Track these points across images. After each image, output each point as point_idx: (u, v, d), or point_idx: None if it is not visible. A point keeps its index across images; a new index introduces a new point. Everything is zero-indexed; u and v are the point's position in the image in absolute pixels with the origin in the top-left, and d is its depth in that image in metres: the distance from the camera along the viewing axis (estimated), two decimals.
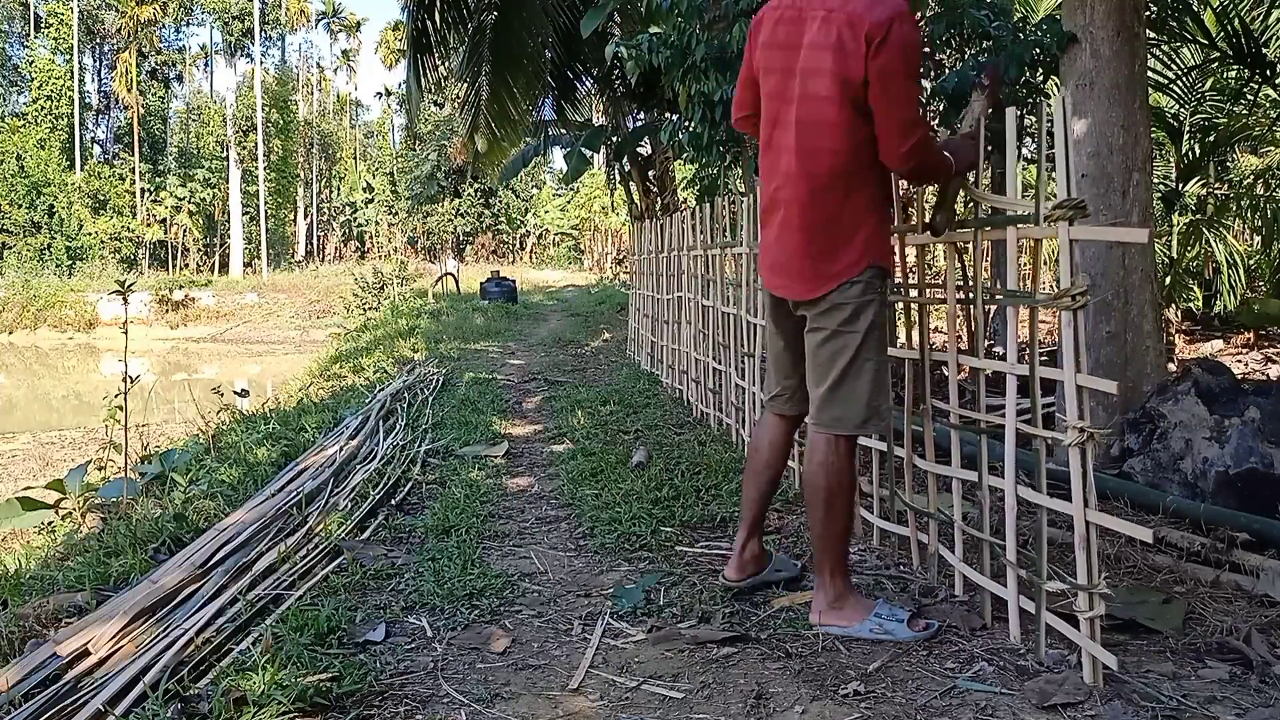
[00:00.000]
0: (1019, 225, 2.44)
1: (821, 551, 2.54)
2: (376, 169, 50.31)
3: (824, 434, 2.49)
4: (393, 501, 4.07)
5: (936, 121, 5.68)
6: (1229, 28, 6.40)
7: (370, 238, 47.88)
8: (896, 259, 2.71)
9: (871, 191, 2.44)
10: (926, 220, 2.77)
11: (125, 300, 5.96)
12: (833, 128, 2.35)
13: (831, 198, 2.40)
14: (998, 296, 2.71)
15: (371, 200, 48.31)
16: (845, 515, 2.53)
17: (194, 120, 46.88)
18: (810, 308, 2.48)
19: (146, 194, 41.11)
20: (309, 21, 54.49)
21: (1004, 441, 2.49)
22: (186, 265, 40.57)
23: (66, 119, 39.38)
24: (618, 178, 16.51)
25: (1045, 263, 2.59)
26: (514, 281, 19.46)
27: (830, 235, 2.41)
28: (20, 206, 35.60)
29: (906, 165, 2.39)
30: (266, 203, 40.66)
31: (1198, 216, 8.72)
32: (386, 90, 61.06)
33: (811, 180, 2.40)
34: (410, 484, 4.35)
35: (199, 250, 42.55)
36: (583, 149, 14.06)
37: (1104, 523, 2.16)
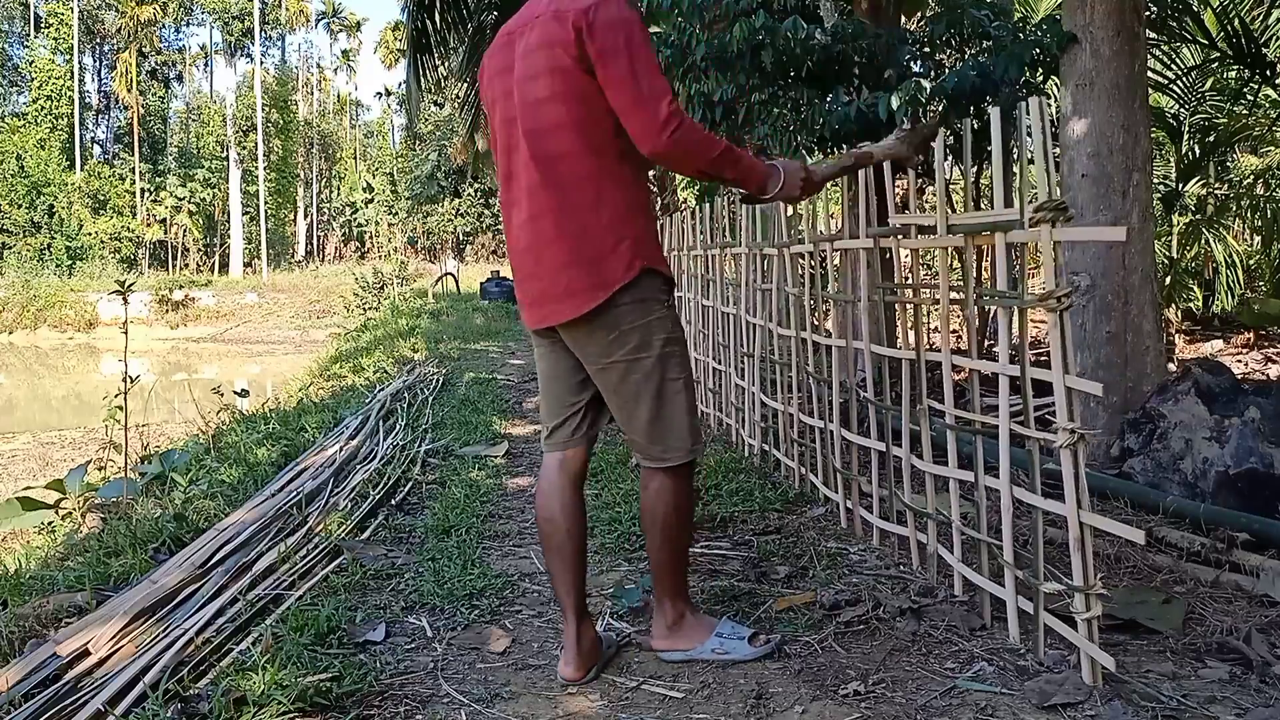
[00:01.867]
0: (1005, 230, 2.43)
1: (660, 577, 2.38)
2: (376, 169, 50.34)
3: (656, 467, 2.30)
4: (393, 501, 4.07)
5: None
6: (1229, 28, 6.40)
7: (370, 238, 47.89)
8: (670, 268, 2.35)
9: (627, 194, 2.19)
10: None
11: (125, 300, 5.96)
12: (564, 128, 2.13)
13: (583, 202, 2.15)
14: (985, 297, 2.71)
15: (371, 200, 48.33)
16: (683, 540, 2.38)
17: (194, 120, 46.91)
18: (588, 336, 2.20)
19: (146, 194, 41.13)
20: (309, 21, 54.52)
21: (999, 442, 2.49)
22: (186, 265, 40.59)
23: (66, 119, 39.40)
24: None
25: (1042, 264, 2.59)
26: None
27: (593, 243, 2.15)
28: (20, 206, 35.61)
29: (667, 139, 2.06)
30: (266, 203, 40.66)
31: (1198, 216, 8.73)
32: (386, 90, 61.11)
33: (559, 190, 2.15)
34: (410, 484, 4.35)
35: (199, 250, 42.57)
36: None
37: (1097, 523, 2.16)
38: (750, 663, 2.38)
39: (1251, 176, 9.71)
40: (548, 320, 2.25)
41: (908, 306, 3.33)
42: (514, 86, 2.21)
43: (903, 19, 7.27)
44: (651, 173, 15.62)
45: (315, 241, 50.71)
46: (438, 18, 12.01)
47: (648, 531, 2.38)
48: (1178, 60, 7.75)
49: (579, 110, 2.13)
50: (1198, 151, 8.40)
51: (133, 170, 41.15)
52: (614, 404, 2.30)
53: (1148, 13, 5.27)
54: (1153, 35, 6.58)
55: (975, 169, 6.51)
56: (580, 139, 2.14)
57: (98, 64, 45.89)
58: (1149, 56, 5.56)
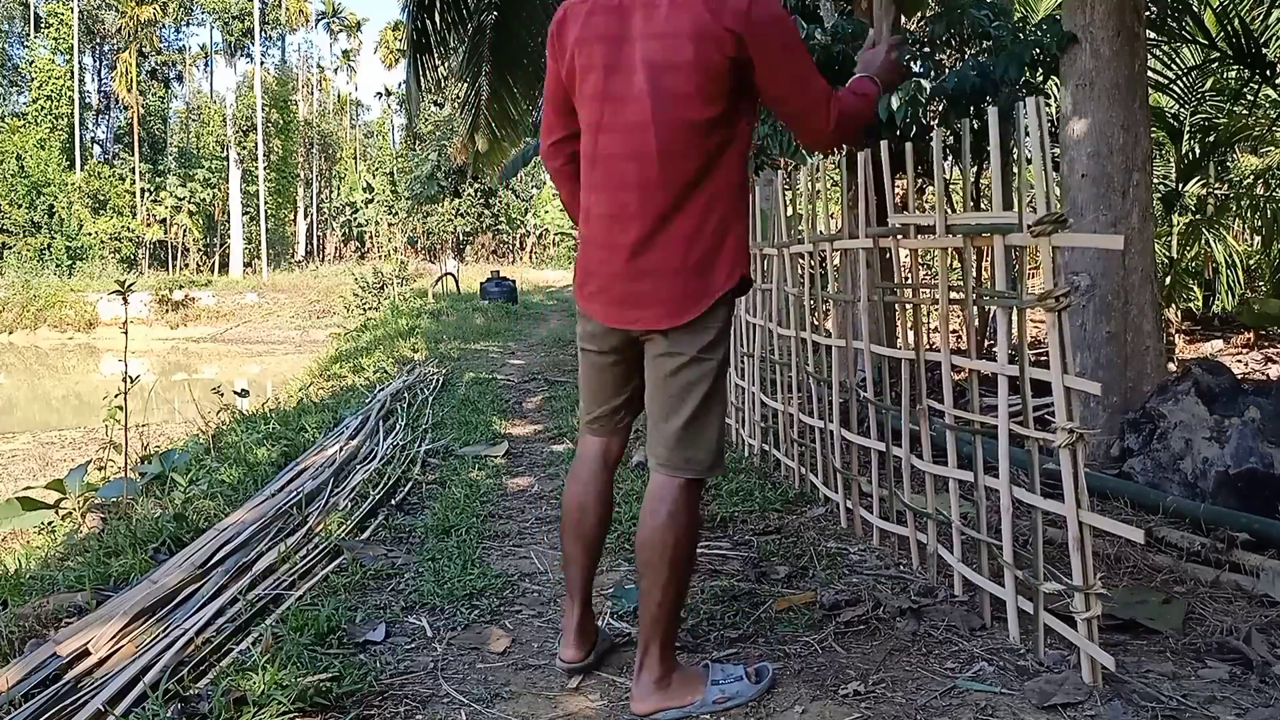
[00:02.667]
0: (1003, 233, 2.43)
1: (656, 620, 2.10)
2: (376, 169, 50.31)
3: (674, 478, 2.12)
4: (393, 501, 4.07)
5: (936, 121, 5.68)
6: (1229, 28, 6.40)
7: (370, 238, 47.88)
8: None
9: (735, 197, 2.12)
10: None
11: (125, 300, 5.96)
12: (698, 128, 2.02)
13: (698, 204, 2.06)
14: (984, 297, 2.71)
15: (371, 200, 48.31)
16: (688, 575, 2.17)
17: (194, 120, 46.91)
18: (669, 336, 2.10)
19: (146, 194, 41.13)
20: (309, 21, 54.51)
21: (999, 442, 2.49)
22: (186, 265, 40.60)
23: (66, 119, 39.39)
24: None
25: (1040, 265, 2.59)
26: (514, 281, 19.47)
27: (703, 247, 2.07)
28: (20, 206, 35.61)
29: (834, 133, 2.10)
30: (266, 203, 40.67)
31: (1198, 216, 8.73)
32: (386, 90, 61.12)
33: (675, 188, 2.04)
34: (410, 484, 4.35)
35: (199, 250, 42.57)
36: None
37: (1096, 523, 2.16)
38: (754, 655, 2.38)
39: (1251, 176, 9.71)
40: (641, 324, 2.11)
41: (907, 306, 3.33)
42: (637, 66, 2.04)
43: (903, 19, 7.27)
44: None
45: (315, 241, 50.71)
46: (438, 18, 12.00)
47: (650, 565, 2.10)
48: (1178, 60, 7.75)
49: (718, 110, 2.03)
50: (1198, 151, 8.40)
51: (133, 170, 41.14)
52: (656, 398, 2.15)
53: (1148, 13, 5.27)
54: (1153, 35, 6.58)
55: (975, 169, 6.51)
56: (711, 140, 2.05)
57: (98, 64, 45.91)
58: (1149, 56, 5.56)
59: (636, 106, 2.04)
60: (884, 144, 3.24)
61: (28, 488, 5.63)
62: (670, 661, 2.15)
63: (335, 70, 61.15)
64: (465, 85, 13.50)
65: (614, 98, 2.07)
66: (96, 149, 44.75)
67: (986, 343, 7.00)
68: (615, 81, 2.06)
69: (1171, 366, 5.95)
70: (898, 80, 2.34)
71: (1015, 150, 3.16)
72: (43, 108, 38.61)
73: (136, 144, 41.63)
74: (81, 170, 38.86)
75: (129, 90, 41.40)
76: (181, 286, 27.65)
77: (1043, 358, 2.36)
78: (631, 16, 2.05)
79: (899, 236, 3.11)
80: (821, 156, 5.53)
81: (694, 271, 2.07)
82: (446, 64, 13.19)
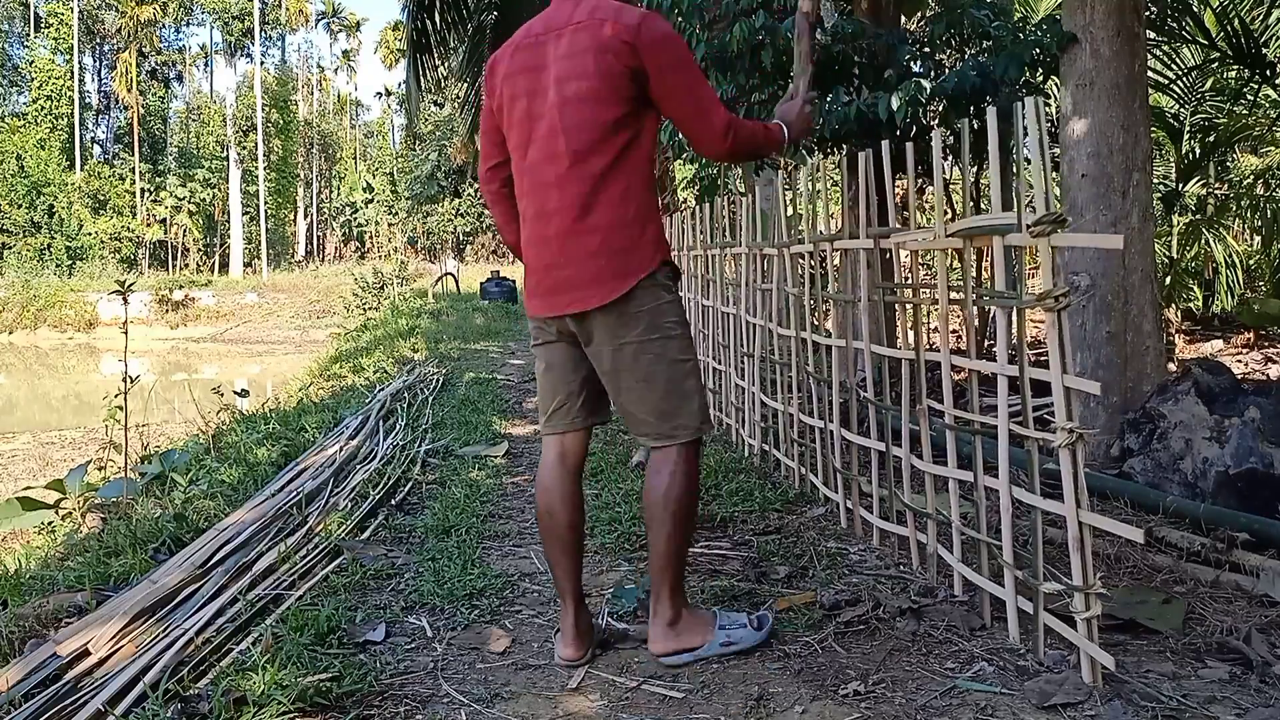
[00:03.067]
0: (1003, 234, 2.43)
1: (664, 569, 2.35)
2: (376, 169, 50.35)
3: (671, 445, 2.34)
4: (393, 501, 4.07)
5: (936, 121, 5.68)
6: (1229, 28, 6.40)
7: (370, 238, 47.89)
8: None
9: (648, 193, 2.33)
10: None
11: (125, 300, 5.96)
12: (603, 128, 2.25)
13: (614, 196, 2.27)
14: (984, 297, 2.71)
15: (371, 200, 48.33)
16: (690, 528, 2.39)
17: (194, 120, 46.93)
18: (604, 323, 2.29)
19: (146, 194, 41.14)
20: (309, 21, 54.51)
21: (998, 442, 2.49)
22: (186, 265, 40.62)
23: (66, 119, 39.40)
24: None
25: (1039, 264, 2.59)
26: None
27: (623, 236, 2.27)
28: (20, 206, 35.61)
29: (730, 144, 2.33)
30: (266, 203, 40.68)
31: (1198, 216, 8.73)
32: (386, 90, 61.13)
33: (592, 184, 2.26)
34: (410, 484, 4.35)
35: (199, 250, 42.59)
36: None
37: (1096, 523, 2.16)
38: (755, 654, 2.39)
39: (1251, 176, 9.71)
40: (571, 307, 2.31)
41: (907, 307, 3.33)
42: (550, 85, 2.30)
43: (903, 19, 7.27)
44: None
45: (315, 241, 50.72)
46: (438, 18, 12.01)
47: (655, 519, 2.34)
48: (1178, 60, 7.75)
49: (619, 112, 2.26)
50: (1198, 151, 8.40)
51: (133, 170, 41.15)
52: (624, 389, 2.34)
53: (1148, 13, 5.27)
54: (1153, 35, 6.58)
55: (975, 169, 6.51)
56: (616, 140, 2.27)
57: (98, 64, 45.91)
58: (1149, 56, 5.56)
59: (550, 117, 2.30)
60: (884, 144, 3.24)
61: (28, 488, 5.63)
62: (680, 606, 2.39)
63: (335, 70, 61.19)
64: (465, 85, 13.52)
65: (534, 116, 2.34)
66: (96, 149, 44.75)
67: (986, 343, 7.00)
68: (535, 102, 2.34)
69: (1171, 366, 5.95)
70: (806, 133, 2.60)
71: (1015, 150, 3.16)
72: (43, 108, 38.62)
73: (136, 144, 41.63)
74: (81, 170, 38.87)
75: (129, 90, 41.41)
76: (181, 286, 27.65)
77: (1042, 358, 2.35)
78: (546, 47, 2.34)
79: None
80: (822, 156, 5.55)
81: (614, 255, 2.27)
82: (446, 64, 13.20)
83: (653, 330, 2.29)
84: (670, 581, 2.37)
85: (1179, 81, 7.85)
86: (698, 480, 2.41)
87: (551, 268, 2.34)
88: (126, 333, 6.67)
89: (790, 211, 4.17)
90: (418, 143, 44.49)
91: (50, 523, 4.89)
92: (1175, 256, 8.43)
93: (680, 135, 6.37)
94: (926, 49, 5.94)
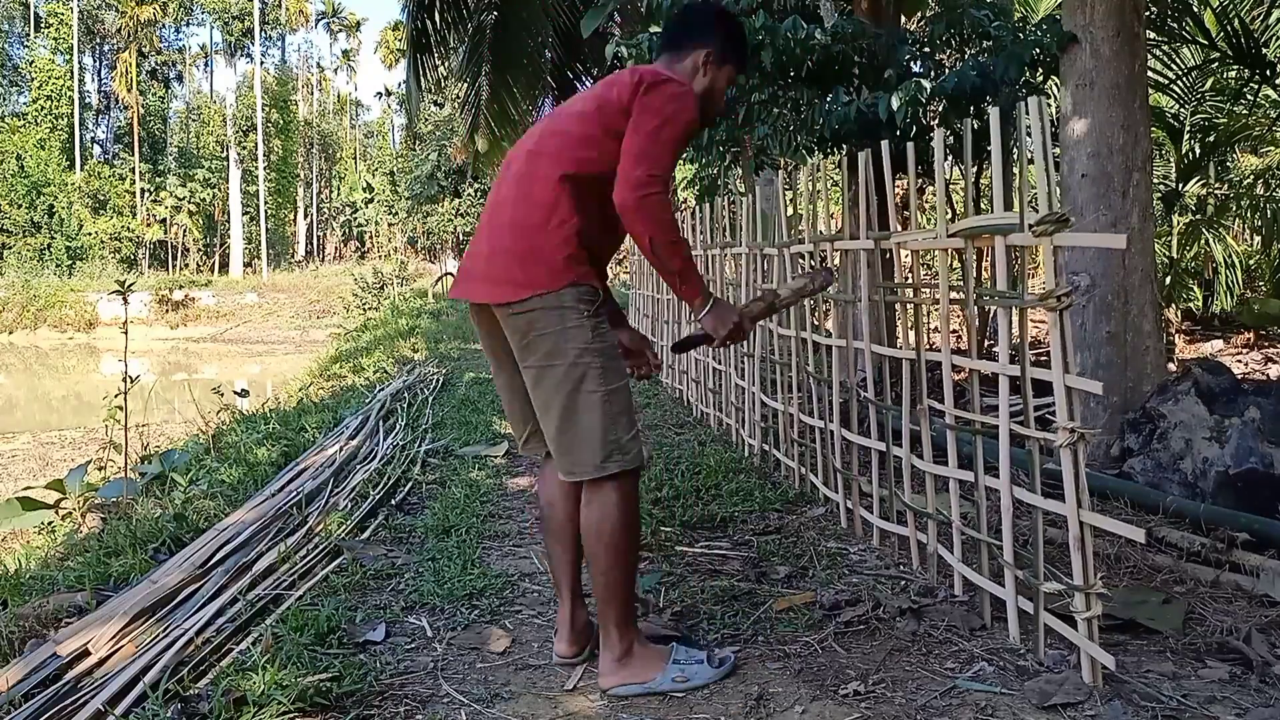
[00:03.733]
0: (1006, 235, 2.43)
1: (605, 603, 2.24)
2: (376, 169, 50.29)
3: (593, 478, 2.21)
4: (393, 501, 4.07)
5: (936, 122, 5.67)
6: (1229, 28, 6.40)
7: (370, 238, 47.87)
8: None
9: (582, 221, 2.21)
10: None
11: (125, 300, 5.97)
12: (572, 138, 2.24)
13: (544, 204, 2.20)
14: (985, 297, 2.71)
15: (371, 200, 48.29)
16: (629, 559, 2.25)
17: (194, 120, 46.94)
18: (510, 332, 2.24)
19: (146, 194, 41.12)
20: (309, 21, 54.52)
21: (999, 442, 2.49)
22: (186, 265, 40.60)
23: (66, 119, 39.40)
24: None
25: (1040, 264, 2.59)
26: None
27: (535, 243, 2.19)
28: (20, 206, 35.60)
29: (637, 197, 2.13)
30: (266, 203, 40.68)
31: (1198, 216, 8.73)
32: (386, 90, 61.10)
33: (528, 189, 2.24)
34: (410, 484, 4.35)
35: (199, 250, 42.58)
36: None
37: (1097, 522, 2.16)
38: (755, 654, 2.38)
39: (1251, 176, 9.70)
40: (469, 295, 2.31)
41: (908, 306, 3.33)
42: (538, 134, 2.34)
43: (903, 19, 7.27)
44: None
45: (315, 241, 50.71)
46: (438, 18, 12.01)
47: (591, 554, 2.24)
48: (1178, 60, 7.74)
49: (593, 132, 2.23)
50: (1198, 151, 8.39)
51: (133, 170, 41.14)
52: (534, 406, 2.29)
53: (1148, 13, 5.27)
54: (1153, 35, 6.58)
55: (975, 169, 6.51)
56: (577, 154, 2.23)
57: (98, 64, 45.90)
58: (1149, 56, 5.56)
59: (526, 151, 2.32)
60: (884, 144, 3.24)
61: (28, 488, 5.64)
62: (629, 640, 2.26)
63: (335, 70, 61.18)
64: (465, 85, 13.51)
65: (520, 147, 2.36)
66: (96, 149, 44.75)
67: (986, 343, 7.00)
68: (528, 139, 2.37)
69: (1171, 366, 5.95)
70: (716, 335, 2.40)
71: (1015, 150, 3.15)
72: (43, 108, 38.61)
73: (136, 144, 41.62)
74: (81, 170, 38.86)
75: (129, 90, 41.40)
76: (181, 286, 27.65)
77: (1043, 358, 2.35)
78: (548, 119, 2.40)
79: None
80: (822, 156, 5.54)
81: (518, 257, 2.20)
82: (446, 64, 13.20)
83: (554, 356, 2.17)
84: (615, 616, 2.24)
85: (1179, 81, 7.85)
86: (627, 512, 2.22)
87: (470, 256, 2.35)
88: (126, 333, 6.67)
89: (790, 211, 4.17)
90: (418, 143, 44.40)
91: (50, 523, 4.90)
92: (1175, 256, 8.42)
93: None
94: (926, 49, 5.94)
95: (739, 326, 2.38)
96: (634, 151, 2.17)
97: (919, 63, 5.98)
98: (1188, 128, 8.25)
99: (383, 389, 6.86)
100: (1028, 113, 2.31)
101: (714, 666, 2.28)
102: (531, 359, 2.21)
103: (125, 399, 5.49)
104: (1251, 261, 9.82)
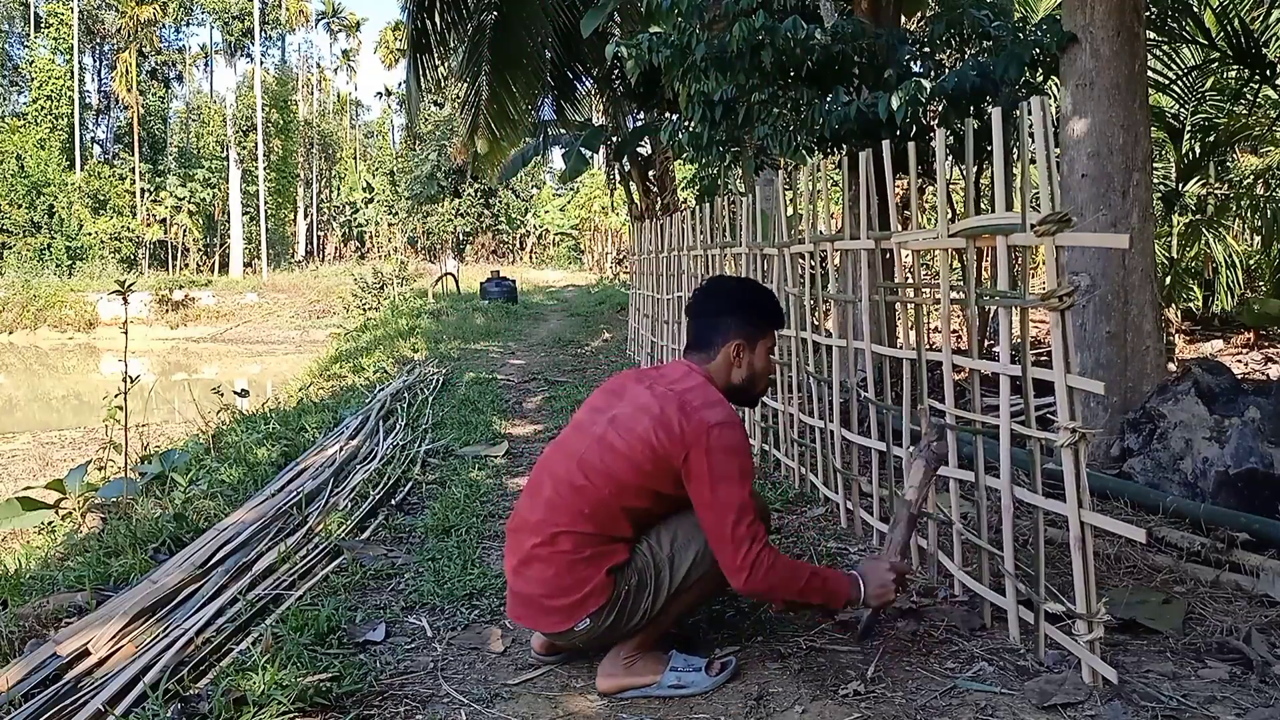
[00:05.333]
0: (1008, 234, 2.43)
1: (647, 628, 2.29)
2: (376, 169, 50.30)
3: None
4: (393, 501, 4.07)
5: (936, 121, 5.67)
6: (1229, 28, 6.40)
7: (370, 238, 47.86)
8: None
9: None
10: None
11: (125, 300, 5.96)
12: (615, 482, 2.20)
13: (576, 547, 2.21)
14: (987, 297, 2.71)
15: (371, 200, 48.30)
16: (687, 607, 2.35)
17: (194, 120, 46.90)
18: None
19: (146, 194, 41.11)
20: (309, 21, 54.50)
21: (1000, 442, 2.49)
22: (186, 265, 40.57)
23: (66, 119, 39.38)
24: (618, 178, 16.54)
25: (1040, 264, 2.59)
26: (514, 281, 19.45)
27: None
28: (20, 206, 35.58)
29: (758, 579, 2.13)
30: (266, 203, 40.65)
31: (1198, 216, 8.72)
32: (386, 90, 61.09)
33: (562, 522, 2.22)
34: (410, 484, 4.35)
35: (199, 250, 42.56)
36: (582, 149, 14.08)
37: (1098, 522, 2.16)
38: (755, 654, 2.38)
39: (1251, 176, 9.70)
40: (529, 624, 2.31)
41: (908, 306, 3.33)
42: (607, 413, 2.31)
43: (903, 19, 7.26)
44: (652, 172, 15.54)
45: (315, 241, 50.69)
46: (438, 18, 12.02)
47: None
48: (1178, 60, 7.74)
49: (644, 485, 2.21)
50: (1198, 151, 8.39)
51: (133, 170, 41.11)
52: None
53: (1148, 13, 5.27)
54: (1153, 35, 6.58)
55: (975, 169, 6.51)
56: (614, 500, 2.21)
57: (98, 64, 45.87)
58: (1149, 56, 5.56)
59: (586, 438, 2.33)
60: (885, 144, 3.23)
61: (28, 488, 5.63)
62: (645, 648, 2.30)
63: (335, 70, 61.13)
64: (465, 85, 13.51)
65: (582, 430, 2.39)
66: (96, 149, 44.71)
67: (986, 343, 7.00)
68: (593, 419, 2.37)
69: (1171, 366, 5.95)
70: (884, 603, 2.35)
71: (1016, 151, 3.14)
72: (43, 108, 38.59)
73: (136, 144, 41.60)
74: (81, 170, 38.84)
75: (129, 90, 41.38)
76: (181, 286, 27.62)
77: (1043, 357, 2.35)
78: (631, 385, 2.36)
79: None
80: (822, 156, 5.54)
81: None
82: (446, 64, 13.20)
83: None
84: (644, 636, 2.29)
85: (1179, 81, 7.84)
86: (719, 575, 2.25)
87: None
88: (126, 333, 6.67)
89: (790, 211, 4.17)
90: (418, 143, 44.43)
91: (50, 523, 4.89)
92: (1175, 256, 8.42)
93: (680, 135, 6.40)
94: (926, 49, 5.94)
95: (897, 572, 2.33)
96: (720, 537, 2.14)
97: (919, 63, 5.98)
98: (1188, 128, 8.24)
99: (383, 389, 6.86)
100: (1030, 113, 2.31)
101: (711, 675, 2.28)
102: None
103: (125, 399, 5.49)
104: (1251, 261, 9.81)
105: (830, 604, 2.29)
